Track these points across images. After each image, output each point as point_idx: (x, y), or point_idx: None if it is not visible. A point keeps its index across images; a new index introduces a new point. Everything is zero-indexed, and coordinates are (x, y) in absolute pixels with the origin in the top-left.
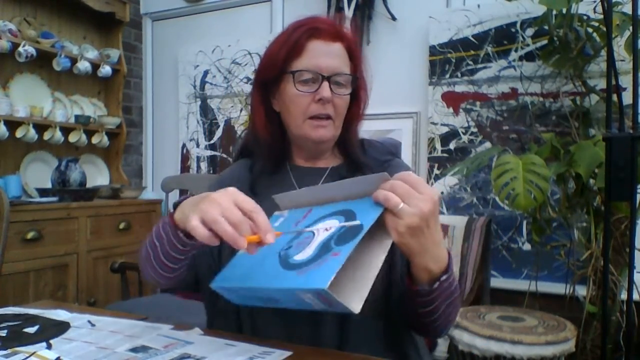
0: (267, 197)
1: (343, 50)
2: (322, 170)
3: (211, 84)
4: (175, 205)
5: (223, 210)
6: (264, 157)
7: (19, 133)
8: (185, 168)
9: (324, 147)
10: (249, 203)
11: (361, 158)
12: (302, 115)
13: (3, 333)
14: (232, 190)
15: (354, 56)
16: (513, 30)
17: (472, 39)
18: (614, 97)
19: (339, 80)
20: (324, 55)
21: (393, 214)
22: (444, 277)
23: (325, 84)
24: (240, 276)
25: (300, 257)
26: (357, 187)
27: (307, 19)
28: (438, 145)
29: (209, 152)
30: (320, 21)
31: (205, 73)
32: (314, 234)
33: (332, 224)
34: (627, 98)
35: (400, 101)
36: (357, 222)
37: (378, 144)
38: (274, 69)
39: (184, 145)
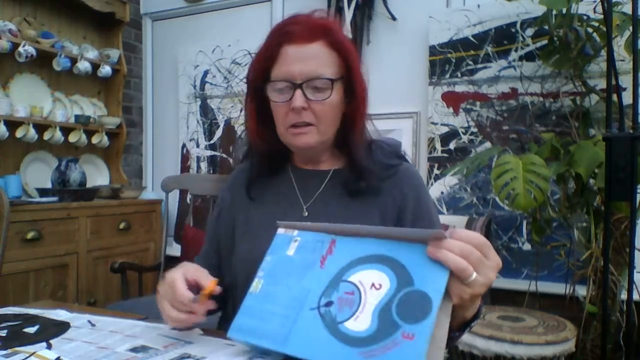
0: (266, 201)
1: (323, 48)
2: (324, 173)
3: (211, 84)
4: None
5: (171, 303)
6: (258, 161)
7: (19, 133)
8: (185, 168)
9: (313, 152)
10: (190, 275)
11: (364, 161)
12: (283, 124)
13: (3, 333)
14: (168, 278)
15: (342, 51)
16: (513, 30)
17: (472, 39)
18: (614, 97)
19: (317, 85)
20: (296, 60)
21: (460, 281)
22: (474, 323)
23: (298, 92)
24: (267, 333)
25: (355, 326)
26: (397, 232)
27: (283, 21)
28: (438, 145)
29: (209, 152)
30: (295, 22)
31: (205, 73)
32: (358, 289)
33: (379, 280)
34: (627, 98)
35: (400, 101)
36: (421, 290)
37: (385, 145)
38: (257, 77)
39: (184, 145)
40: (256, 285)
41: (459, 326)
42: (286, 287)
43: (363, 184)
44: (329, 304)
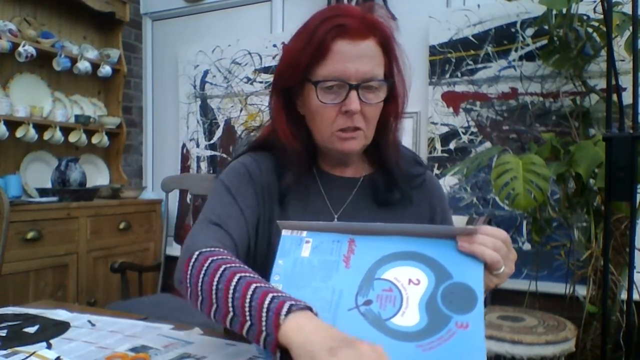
0: (293, 207)
1: (375, 46)
2: (354, 180)
3: (211, 83)
4: (289, 311)
5: None
6: (293, 165)
7: (19, 133)
8: (185, 168)
9: (353, 156)
10: None
11: (397, 170)
12: (328, 128)
13: (3, 333)
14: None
15: (390, 49)
16: (513, 30)
17: (472, 38)
18: (614, 97)
19: (371, 86)
20: (352, 58)
21: (490, 272)
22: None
23: (353, 94)
24: None
25: (404, 322)
26: (423, 229)
27: (331, 10)
28: (438, 145)
29: (209, 152)
30: (348, 14)
31: (205, 73)
32: (395, 285)
33: (416, 275)
34: (627, 98)
35: None
36: (462, 282)
37: (405, 150)
38: (296, 76)
39: (184, 145)
40: None
41: None
42: (312, 289)
43: (397, 194)
44: (367, 302)
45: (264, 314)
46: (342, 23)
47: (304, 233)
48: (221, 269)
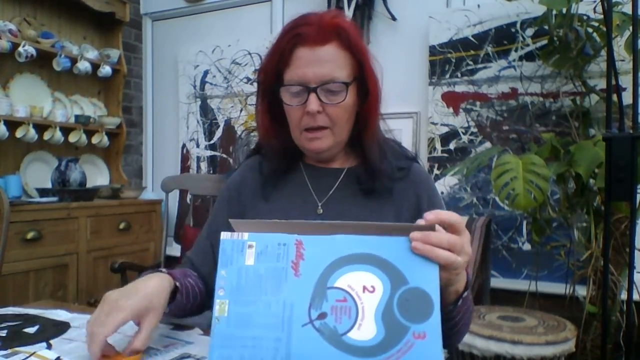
0: (278, 199)
1: (336, 50)
2: (337, 171)
3: (211, 84)
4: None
5: (93, 338)
6: (271, 159)
7: (19, 133)
8: (185, 168)
9: (327, 155)
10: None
11: (377, 161)
12: (297, 127)
13: (3, 333)
14: (113, 307)
15: (355, 50)
16: (513, 30)
17: (472, 39)
18: (614, 97)
19: (331, 88)
20: (310, 64)
21: (447, 269)
22: (465, 294)
23: (312, 96)
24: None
25: (360, 335)
26: (375, 227)
27: (294, 21)
28: (438, 145)
29: (209, 152)
30: (306, 23)
31: (205, 73)
32: (349, 294)
33: (371, 281)
34: (627, 98)
35: (400, 101)
36: (417, 288)
37: (396, 145)
38: (270, 80)
39: (184, 145)
40: (221, 308)
41: (455, 300)
42: (262, 304)
43: (377, 183)
44: (322, 315)
45: None
46: (301, 32)
47: (246, 236)
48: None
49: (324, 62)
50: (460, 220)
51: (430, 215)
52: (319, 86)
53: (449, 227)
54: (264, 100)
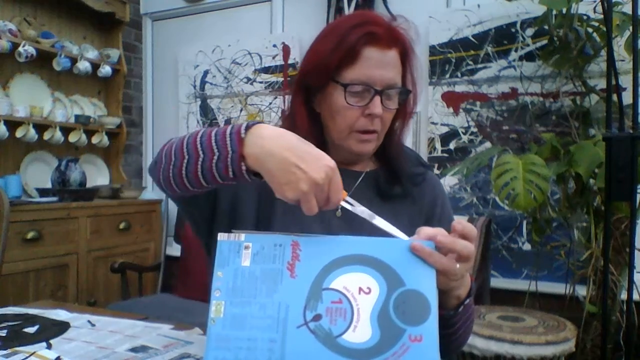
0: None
1: (397, 57)
2: (356, 173)
3: (211, 84)
4: (248, 127)
5: (316, 189)
6: None
7: (19, 133)
8: None
9: (364, 157)
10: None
11: (399, 168)
12: (348, 128)
13: (3, 333)
14: (331, 168)
15: (408, 60)
16: (513, 30)
17: (472, 39)
18: (614, 97)
19: (391, 94)
20: (379, 66)
21: (446, 276)
22: (467, 301)
23: (377, 99)
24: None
25: (356, 338)
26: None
27: (361, 17)
28: (438, 145)
29: None
30: (377, 23)
31: (205, 73)
32: (344, 296)
33: (366, 283)
34: (627, 98)
35: None
36: (414, 290)
37: (409, 151)
38: (324, 75)
39: None
40: (217, 308)
41: (456, 305)
42: (258, 306)
43: (398, 188)
44: (317, 317)
45: (227, 139)
46: (373, 31)
47: (242, 237)
48: (187, 135)
49: (390, 66)
50: (476, 233)
51: (458, 226)
52: (384, 90)
53: (466, 238)
54: (301, 94)
